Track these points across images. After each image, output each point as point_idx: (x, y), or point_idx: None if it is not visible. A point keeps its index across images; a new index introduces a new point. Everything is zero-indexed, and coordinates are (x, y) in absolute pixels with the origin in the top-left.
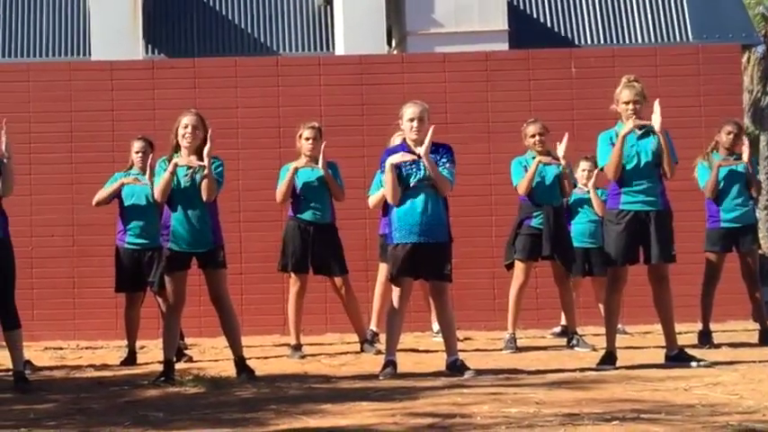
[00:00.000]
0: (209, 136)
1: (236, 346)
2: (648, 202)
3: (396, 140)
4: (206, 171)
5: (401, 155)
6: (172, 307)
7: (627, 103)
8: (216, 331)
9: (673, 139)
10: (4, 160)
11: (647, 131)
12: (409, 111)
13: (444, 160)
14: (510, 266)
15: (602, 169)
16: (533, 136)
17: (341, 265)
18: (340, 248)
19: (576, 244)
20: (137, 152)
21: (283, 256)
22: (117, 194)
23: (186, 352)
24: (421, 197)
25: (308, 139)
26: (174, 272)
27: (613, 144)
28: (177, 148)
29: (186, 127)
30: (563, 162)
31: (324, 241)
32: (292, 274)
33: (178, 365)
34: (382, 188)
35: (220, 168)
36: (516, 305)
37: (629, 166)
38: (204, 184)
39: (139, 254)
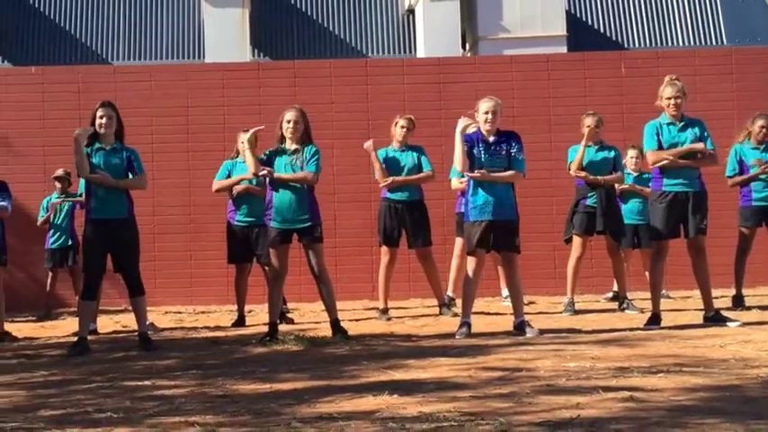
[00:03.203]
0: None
1: (331, 309)
2: (687, 184)
3: (469, 130)
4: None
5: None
6: (275, 276)
7: (669, 98)
8: (314, 297)
9: (710, 130)
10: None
11: (687, 124)
12: (484, 105)
13: (515, 150)
14: (568, 241)
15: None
16: (588, 126)
17: (425, 239)
18: (427, 223)
19: (626, 221)
20: (242, 143)
21: (378, 233)
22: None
23: (288, 315)
24: (493, 182)
25: (402, 127)
26: (277, 246)
27: (658, 134)
28: (282, 138)
29: (289, 122)
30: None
31: (413, 217)
32: (384, 247)
33: (281, 327)
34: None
35: (316, 156)
36: (574, 274)
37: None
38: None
39: (248, 230)
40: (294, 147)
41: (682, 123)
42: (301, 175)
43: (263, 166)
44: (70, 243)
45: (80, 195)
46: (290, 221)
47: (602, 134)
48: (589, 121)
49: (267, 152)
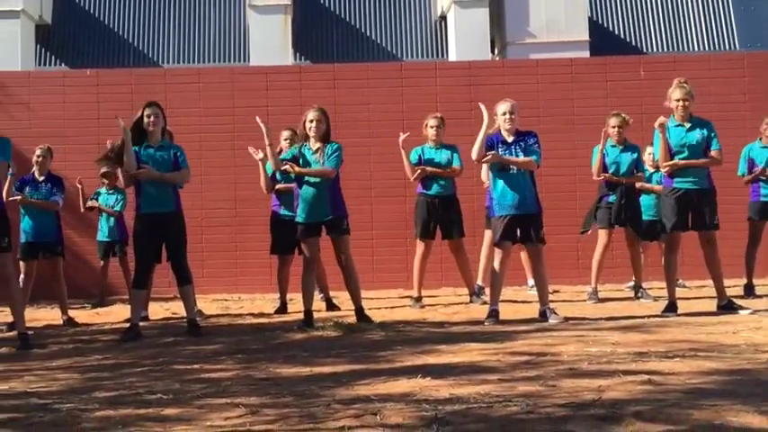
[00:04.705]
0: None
1: (355, 297)
2: (694, 181)
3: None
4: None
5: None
6: (307, 266)
7: (677, 101)
8: None
9: (722, 129)
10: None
11: (695, 125)
12: (502, 107)
13: (531, 142)
14: (585, 233)
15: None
16: (613, 127)
17: (459, 230)
18: (460, 217)
19: (644, 216)
20: (285, 139)
21: (415, 226)
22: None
23: (334, 302)
24: (514, 179)
25: (432, 126)
26: (306, 238)
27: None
28: (306, 137)
29: (312, 121)
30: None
31: (447, 211)
32: (419, 239)
33: (322, 314)
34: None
35: (338, 152)
36: (599, 264)
37: (679, 156)
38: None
39: (291, 223)
40: (317, 145)
41: (689, 125)
42: (320, 169)
43: (288, 162)
44: (117, 238)
45: (116, 208)
46: (315, 215)
47: (625, 133)
48: (613, 122)
49: (293, 149)
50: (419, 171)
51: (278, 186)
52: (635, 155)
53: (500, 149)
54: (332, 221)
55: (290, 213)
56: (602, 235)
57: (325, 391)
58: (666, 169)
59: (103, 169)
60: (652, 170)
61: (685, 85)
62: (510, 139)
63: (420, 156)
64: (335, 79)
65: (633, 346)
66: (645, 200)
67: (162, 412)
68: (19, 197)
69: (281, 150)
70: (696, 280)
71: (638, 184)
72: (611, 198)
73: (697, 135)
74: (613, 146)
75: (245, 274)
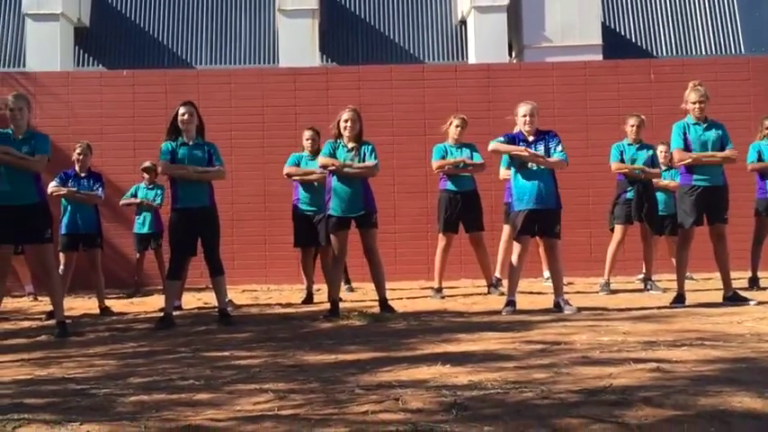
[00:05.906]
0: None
1: (380, 288)
2: (712, 179)
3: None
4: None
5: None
6: (336, 258)
7: (694, 103)
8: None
9: (729, 129)
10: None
11: (711, 125)
12: (522, 109)
13: (555, 144)
14: (613, 229)
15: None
16: (632, 126)
17: (479, 224)
18: (480, 211)
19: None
20: (307, 139)
21: (438, 220)
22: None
23: (351, 285)
24: (535, 174)
25: (457, 126)
26: (336, 231)
27: (684, 133)
28: (339, 135)
29: (347, 121)
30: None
31: (469, 205)
32: (441, 233)
33: (347, 304)
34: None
35: (375, 151)
36: (613, 258)
37: (697, 153)
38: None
39: (312, 217)
40: (352, 144)
41: (706, 124)
42: (368, 169)
43: (332, 159)
44: (153, 231)
45: (155, 201)
46: (348, 210)
47: (641, 134)
48: (632, 121)
49: (328, 146)
50: (445, 168)
51: (295, 177)
52: (650, 152)
53: (522, 147)
54: (363, 216)
55: (311, 208)
56: (618, 230)
57: (349, 377)
58: (687, 161)
59: (145, 164)
60: (663, 168)
61: (700, 87)
62: (530, 138)
63: (444, 154)
64: (360, 80)
65: (643, 336)
66: (657, 196)
67: (194, 397)
68: (65, 190)
69: (303, 148)
70: (703, 272)
71: (654, 181)
72: (629, 195)
73: (713, 134)
74: (630, 144)
75: (273, 265)
